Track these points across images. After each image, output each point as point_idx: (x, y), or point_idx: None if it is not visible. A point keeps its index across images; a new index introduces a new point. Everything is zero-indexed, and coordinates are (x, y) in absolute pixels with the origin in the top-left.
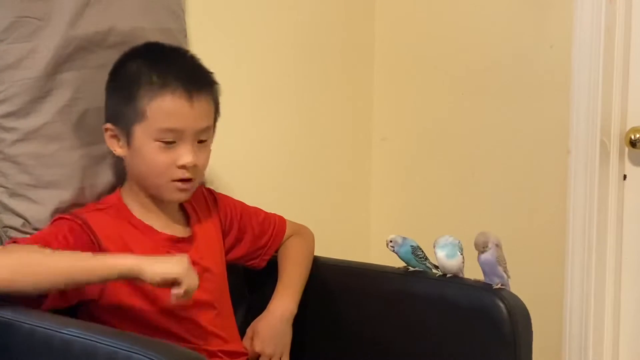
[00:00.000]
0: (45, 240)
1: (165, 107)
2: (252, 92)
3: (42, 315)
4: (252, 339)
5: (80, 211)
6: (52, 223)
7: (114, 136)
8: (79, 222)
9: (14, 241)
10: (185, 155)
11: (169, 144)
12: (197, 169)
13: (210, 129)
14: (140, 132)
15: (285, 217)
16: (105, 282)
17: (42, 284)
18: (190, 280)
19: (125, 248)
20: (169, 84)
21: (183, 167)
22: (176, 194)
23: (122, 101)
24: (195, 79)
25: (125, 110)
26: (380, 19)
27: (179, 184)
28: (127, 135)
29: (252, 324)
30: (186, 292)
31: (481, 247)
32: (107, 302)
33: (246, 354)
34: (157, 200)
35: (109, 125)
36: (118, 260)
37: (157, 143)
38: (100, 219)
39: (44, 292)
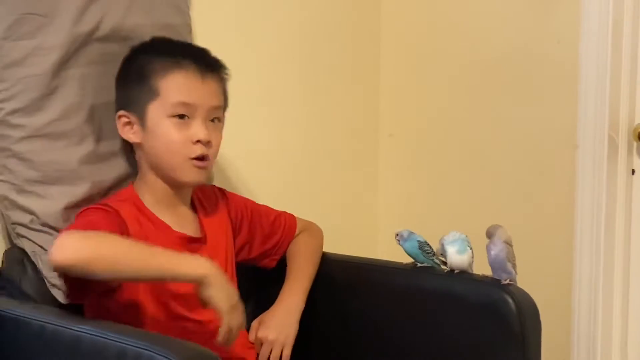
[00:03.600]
0: (96, 225)
1: (178, 82)
2: (259, 89)
3: (52, 312)
4: (257, 329)
5: (107, 201)
6: (81, 213)
7: (128, 123)
8: (112, 210)
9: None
10: (199, 131)
11: (182, 118)
12: (211, 147)
13: (222, 109)
14: (154, 110)
15: (293, 213)
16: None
17: (116, 273)
18: (234, 320)
19: (144, 240)
20: (181, 62)
21: (198, 142)
22: (193, 173)
23: (135, 85)
24: (206, 60)
25: (138, 92)
26: (387, 16)
27: (195, 162)
28: (142, 117)
29: (259, 316)
30: (230, 331)
31: (488, 237)
32: (122, 296)
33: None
34: (171, 195)
35: (122, 112)
36: (191, 268)
37: (172, 120)
38: (125, 210)
39: (113, 280)
